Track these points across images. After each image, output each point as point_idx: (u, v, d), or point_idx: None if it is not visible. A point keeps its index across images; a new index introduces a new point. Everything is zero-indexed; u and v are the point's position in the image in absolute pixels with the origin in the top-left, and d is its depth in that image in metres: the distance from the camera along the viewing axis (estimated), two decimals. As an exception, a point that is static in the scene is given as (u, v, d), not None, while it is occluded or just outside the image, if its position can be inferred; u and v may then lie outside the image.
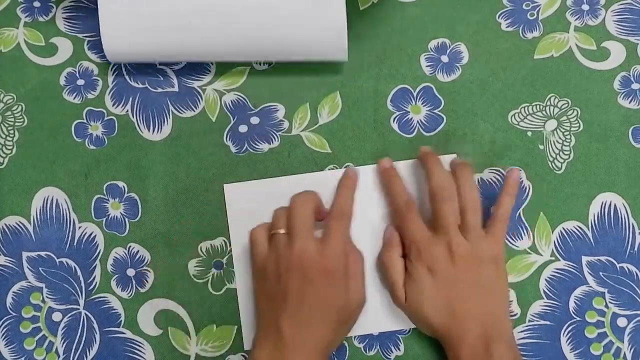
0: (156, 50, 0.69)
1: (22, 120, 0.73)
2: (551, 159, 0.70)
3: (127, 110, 0.73)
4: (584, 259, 0.68)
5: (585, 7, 0.73)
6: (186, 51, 0.70)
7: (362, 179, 0.70)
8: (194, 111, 0.73)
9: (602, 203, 0.69)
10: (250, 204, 0.70)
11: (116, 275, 0.70)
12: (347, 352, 0.68)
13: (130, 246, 0.70)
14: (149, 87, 0.73)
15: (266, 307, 0.64)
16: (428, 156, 0.67)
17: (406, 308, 0.65)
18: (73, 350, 0.68)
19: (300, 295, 0.61)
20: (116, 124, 0.72)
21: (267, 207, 0.67)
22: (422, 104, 0.72)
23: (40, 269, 0.70)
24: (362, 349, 0.68)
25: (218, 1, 0.68)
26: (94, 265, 0.70)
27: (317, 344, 0.61)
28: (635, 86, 0.70)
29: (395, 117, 0.71)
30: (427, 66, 0.73)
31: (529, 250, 0.68)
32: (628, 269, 0.67)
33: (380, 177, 0.70)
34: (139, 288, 0.69)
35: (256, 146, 0.72)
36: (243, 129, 0.72)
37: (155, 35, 0.68)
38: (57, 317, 0.69)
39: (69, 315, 0.69)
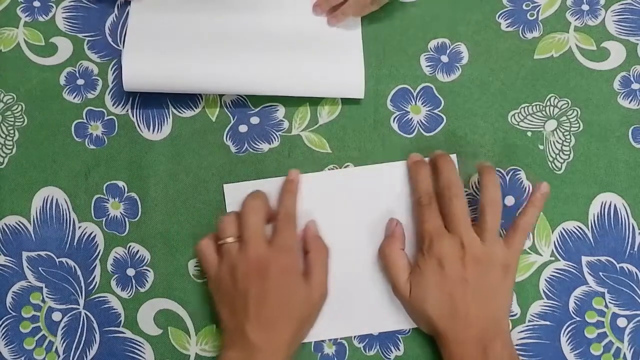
0: (175, 83, 0.70)
1: (22, 120, 0.73)
2: (551, 159, 0.70)
3: (127, 110, 0.73)
4: (584, 259, 0.68)
5: (585, 7, 0.73)
6: (205, 86, 0.71)
7: (362, 179, 0.70)
8: (194, 111, 0.73)
9: (602, 203, 0.68)
10: None
11: (116, 275, 0.70)
12: (347, 352, 0.68)
13: (130, 246, 0.70)
14: (149, 86, 0.73)
15: (229, 316, 0.64)
16: (439, 156, 0.67)
17: (408, 302, 0.65)
18: (73, 350, 0.68)
19: (261, 298, 0.61)
20: (116, 124, 0.72)
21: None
22: (422, 104, 0.72)
23: (40, 268, 0.70)
24: (362, 349, 0.68)
25: (238, 36, 0.71)
26: (94, 265, 0.70)
27: (283, 342, 0.62)
28: (635, 86, 0.70)
29: (395, 117, 0.71)
30: (427, 66, 0.73)
31: (528, 251, 0.68)
32: (628, 269, 0.67)
33: (408, 168, 0.70)
34: (138, 288, 0.69)
35: (256, 146, 0.72)
36: (243, 128, 0.72)
37: (176, 68, 0.70)
38: (57, 316, 0.69)
39: (69, 315, 0.69)
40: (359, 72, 0.70)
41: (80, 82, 0.74)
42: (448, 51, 0.73)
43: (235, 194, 0.70)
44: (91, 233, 0.70)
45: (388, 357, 0.68)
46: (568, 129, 0.70)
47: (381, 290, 0.68)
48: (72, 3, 0.75)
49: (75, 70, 0.74)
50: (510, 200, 0.69)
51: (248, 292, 0.62)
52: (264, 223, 0.65)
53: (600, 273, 0.67)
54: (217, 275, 0.65)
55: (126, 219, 0.71)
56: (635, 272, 0.67)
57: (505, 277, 0.63)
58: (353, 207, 0.69)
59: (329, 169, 0.70)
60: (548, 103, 0.71)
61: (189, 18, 0.73)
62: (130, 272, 0.70)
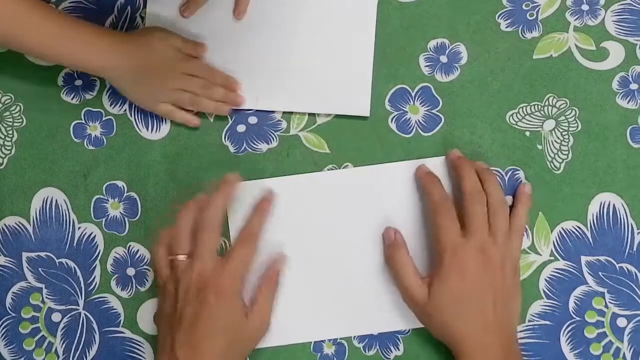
0: None
1: (20, 120, 0.73)
2: (550, 159, 0.69)
3: (125, 110, 0.73)
4: (583, 259, 0.68)
5: (585, 7, 0.73)
6: None
7: (361, 180, 0.70)
8: (192, 110, 0.72)
9: (601, 203, 0.68)
10: (249, 204, 0.70)
11: (116, 275, 0.70)
12: (347, 352, 0.68)
13: (130, 245, 0.70)
14: (147, 86, 0.73)
15: (163, 330, 0.64)
16: (460, 160, 0.67)
17: (424, 307, 0.64)
18: (72, 350, 0.69)
19: (195, 317, 0.61)
20: (114, 124, 0.73)
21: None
22: (420, 104, 0.72)
23: (40, 269, 0.70)
24: (362, 348, 0.68)
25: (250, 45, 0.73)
26: (94, 265, 0.70)
27: None
28: (633, 86, 0.70)
29: (393, 117, 0.71)
30: (426, 66, 0.72)
31: (528, 250, 0.68)
32: (627, 269, 0.67)
33: (419, 179, 0.69)
34: (139, 287, 0.69)
35: (255, 146, 0.72)
36: (241, 128, 0.72)
37: None
38: (56, 317, 0.69)
39: (69, 315, 0.69)
40: (366, 90, 0.71)
41: (78, 82, 0.74)
42: (447, 51, 0.73)
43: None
44: (91, 233, 0.70)
45: (388, 357, 0.68)
46: (566, 128, 0.70)
47: (381, 291, 0.68)
48: (72, 4, 0.75)
49: (73, 71, 0.74)
50: (509, 200, 0.69)
51: (184, 311, 0.62)
52: (217, 241, 0.65)
53: (600, 273, 0.67)
54: (163, 289, 0.65)
55: (126, 218, 0.71)
56: (635, 272, 0.67)
57: (515, 277, 0.64)
58: (352, 208, 0.69)
59: (328, 169, 0.70)
60: (546, 103, 0.71)
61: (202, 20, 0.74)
62: (131, 271, 0.70)
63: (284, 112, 0.72)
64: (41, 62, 0.74)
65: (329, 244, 0.68)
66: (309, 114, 0.72)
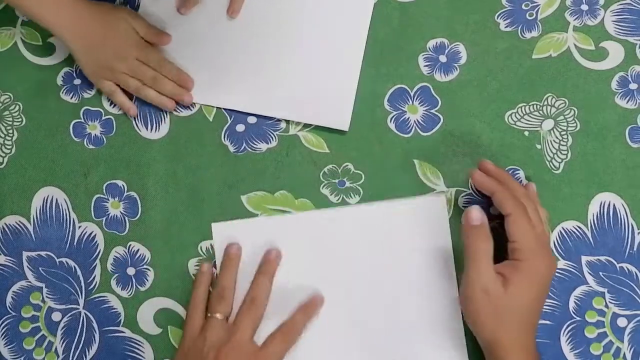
0: None
1: (20, 119, 0.73)
2: (549, 159, 0.69)
3: (125, 110, 0.73)
4: (584, 259, 0.68)
5: (585, 7, 0.73)
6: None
7: (374, 217, 0.69)
8: (191, 110, 0.73)
9: (601, 203, 0.68)
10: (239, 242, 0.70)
11: (116, 275, 0.70)
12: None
13: (130, 245, 0.70)
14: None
15: None
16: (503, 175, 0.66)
17: (497, 301, 0.61)
18: (72, 349, 0.69)
19: None
20: (114, 123, 0.73)
21: (257, 247, 0.69)
22: (419, 103, 0.72)
23: (40, 268, 0.70)
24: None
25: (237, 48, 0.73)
26: (94, 264, 0.70)
27: None
28: (632, 86, 0.70)
29: (392, 117, 0.71)
30: (425, 66, 0.72)
31: (527, 250, 0.68)
32: (628, 268, 0.67)
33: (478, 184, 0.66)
34: (139, 287, 0.69)
35: (254, 146, 0.72)
36: (240, 128, 0.72)
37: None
38: (56, 316, 0.69)
39: (69, 315, 0.69)
40: (348, 105, 0.71)
41: (77, 82, 0.74)
42: (446, 51, 0.73)
43: (224, 233, 0.70)
44: (91, 233, 0.71)
45: (387, 357, 0.68)
46: (565, 128, 0.70)
47: (406, 326, 0.67)
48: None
49: (72, 70, 0.74)
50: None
51: None
52: (262, 318, 0.66)
53: (600, 273, 0.67)
54: (192, 341, 0.65)
55: (126, 218, 0.71)
56: (635, 272, 0.67)
57: None
58: (368, 246, 0.69)
59: (328, 169, 0.70)
60: (545, 102, 0.71)
61: (193, 22, 0.75)
62: (131, 271, 0.70)
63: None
64: (41, 61, 0.74)
65: (348, 283, 0.68)
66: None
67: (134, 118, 0.72)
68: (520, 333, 0.61)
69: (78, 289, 0.70)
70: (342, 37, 0.73)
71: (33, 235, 0.71)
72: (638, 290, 0.67)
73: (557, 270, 0.67)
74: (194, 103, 0.73)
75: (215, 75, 0.73)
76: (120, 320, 0.69)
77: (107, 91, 0.72)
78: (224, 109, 0.72)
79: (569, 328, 0.67)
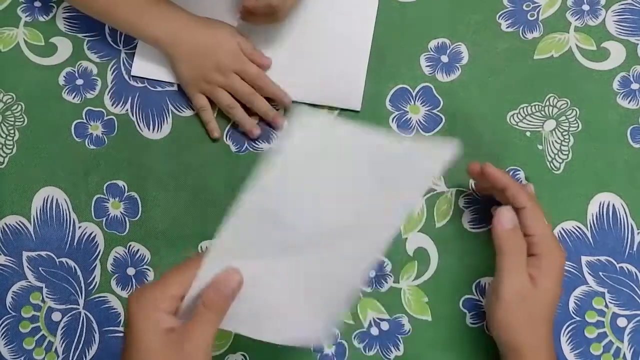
0: None
1: (22, 119, 0.73)
2: (550, 159, 0.70)
3: (127, 110, 0.73)
4: (584, 259, 0.68)
5: (586, 7, 0.73)
6: None
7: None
8: (193, 110, 0.73)
9: (601, 203, 0.68)
10: None
11: (116, 275, 0.70)
12: (347, 352, 0.68)
13: (130, 245, 0.70)
14: (148, 86, 0.73)
15: None
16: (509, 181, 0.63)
17: (527, 295, 0.59)
18: (72, 349, 0.69)
19: None
20: (116, 124, 0.73)
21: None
22: (421, 103, 0.72)
23: (40, 268, 0.70)
24: (362, 349, 0.68)
25: None
26: (94, 265, 0.70)
27: None
28: (634, 86, 0.70)
29: (394, 117, 0.71)
30: (426, 66, 0.72)
31: (528, 250, 0.68)
32: (627, 269, 0.67)
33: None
34: (139, 287, 0.69)
35: (256, 145, 0.72)
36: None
37: None
38: (56, 316, 0.69)
39: (69, 315, 0.69)
40: (359, 86, 0.72)
41: (80, 82, 0.74)
42: (448, 51, 0.73)
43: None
44: (91, 233, 0.70)
45: (388, 357, 0.68)
46: (567, 129, 0.70)
47: None
48: None
49: (74, 70, 0.74)
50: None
51: None
52: None
53: (600, 273, 0.67)
54: None
55: (126, 218, 0.71)
56: (635, 272, 0.67)
57: None
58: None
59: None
60: (547, 103, 0.71)
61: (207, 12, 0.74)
62: (131, 271, 0.70)
63: (283, 112, 0.72)
64: (43, 61, 0.74)
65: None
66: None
67: (137, 119, 0.72)
68: (548, 332, 0.60)
69: (78, 289, 0.70)
70: (351, 22, 0.73)
71: (33, 235, 0.70)
72: (638, 290, 0.67)
73: (557, 270, 0.68)
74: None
75: None
76: (120, 320, 0.69)
77: (198, 104, 0.71)
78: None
79: (569, 328, 0.67)
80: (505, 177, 0.62)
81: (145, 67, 0.74)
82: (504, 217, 0.60)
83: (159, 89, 0.73)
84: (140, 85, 0.73)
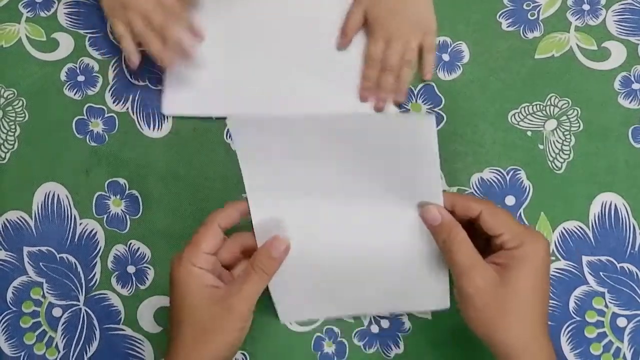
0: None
1: (23, 115, 0.73)
2: (551, 159, 0.70)
3: (127, 108, 0.73)
4: (584, 259, 0.68)
5: (586, 7, 0.73)
6: None
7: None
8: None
9: (603, 203, 0.68)
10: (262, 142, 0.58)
11: (116, 272, 0.70)
12: (347, 350, 0.68)
13: (130, 243, 0.70)
14: (149, 84, 0.73)
15: None
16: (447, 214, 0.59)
17: (494, 291, 0.55)
18: (73, 346, 0.69)
19: None
20: (117, 121, 0.73)
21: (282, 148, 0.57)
22: (422, 102, 0.72)
23: (40, 264, 0.70)
24: (362, 347, 0.68)
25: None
26: (95, 261, 0.70)
27: None
28: (635, 86, 0.70)
29: (396, 115, 0.72)
30: (428, 65, 0.73)
31: (529, 250, 0.68)
32: (628, 269, 0.67)
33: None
34: (139, 285, 0.69)
35: (257, 144, 0.72)
36: (243, 126, 0.72)
37: None
38: (57, 312, 0.69)
39: (69, 311, 0.69)
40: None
41: (81, 78, 0.74)
42: (449, 50, 0.73)
43: (244, 130, 0.57)
44: (92, 230, 0.71)
45: (388, 355, 0.68)
46: (568, 128, 0.70)
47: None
48: (74, -2, 0.76)
49: (75, 67, 0.74)
50: (510, 200, 0.69)
51: None
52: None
53: (601, 273, 0.67)
54: None
55: (127, 216, 0.71)
56: (636, 272, 0.67)
57: None
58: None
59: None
60: (548, 103, 0.71)
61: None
62: (131, 269, 0.70)
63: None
64: (45, 57, 0.74)
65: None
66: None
67: (137, 117, 0.72)
68: (536, 331, 0.55)
69: (78, 285, 0.70)
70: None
71: (34, 231, 0.71)
72: (638, 290, 0.67)
73: (557, 270, 0.67)
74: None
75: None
76: (121, 318, 0.69)
77: (117, 32, 0.69)
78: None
79: (569, 328, 0.67)
80: (442, 210, 0.58)
81: (175, 103, 0.72)
82: (430, 215, 0.58)
83: (160, 87, 0.73)
84: (141, 83, 0.74)
